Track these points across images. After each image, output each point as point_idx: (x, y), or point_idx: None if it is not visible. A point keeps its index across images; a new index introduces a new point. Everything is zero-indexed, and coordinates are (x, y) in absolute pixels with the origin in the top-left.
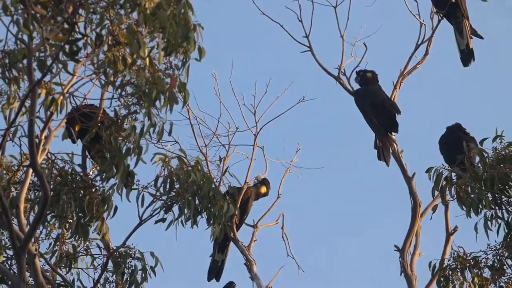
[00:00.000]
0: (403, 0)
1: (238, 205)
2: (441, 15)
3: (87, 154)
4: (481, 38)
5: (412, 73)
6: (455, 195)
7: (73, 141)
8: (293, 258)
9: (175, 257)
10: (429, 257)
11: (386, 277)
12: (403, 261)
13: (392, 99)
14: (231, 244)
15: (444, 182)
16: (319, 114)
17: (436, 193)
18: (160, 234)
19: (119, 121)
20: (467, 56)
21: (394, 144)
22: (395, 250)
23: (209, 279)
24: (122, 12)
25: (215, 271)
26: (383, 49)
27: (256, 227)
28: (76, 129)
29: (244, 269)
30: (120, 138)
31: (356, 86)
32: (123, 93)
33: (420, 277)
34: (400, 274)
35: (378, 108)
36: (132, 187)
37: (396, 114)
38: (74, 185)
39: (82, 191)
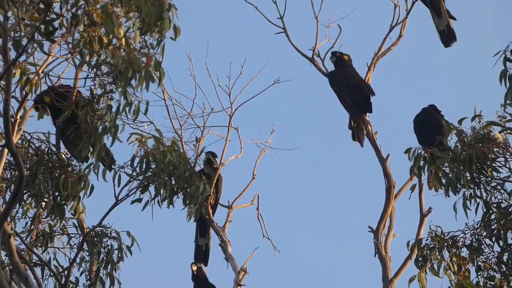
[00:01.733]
0: None
1: (213, 186)
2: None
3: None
4: (454, 19)
5: (386, 54)
6: (433, 176)
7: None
8: (269, 238)
9: (153, 237)
10: (403, 238)
11: (360, 258)
12: (377, 242)
13: (366, 81)
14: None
15: (423, 162)
16: (294, 95)
17: (415, 173)
18: (138, 214)
19: (95, 100)
20: (447, 37)
21: (369, 125)
22: (369, 231)
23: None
24: None
25: (201, 256)
26: (357, 31)
27: (231, 208)
28: (46, 100)
29: (219, 250)
30: (96, 118)
31: (331, 67)
32: (99, 72)
33: (394, 258)
34: (375, 256)
35: (352, 89)
36: (112, 167)
37: (370, 95)
38: (50, 165)
39: (58, 171)
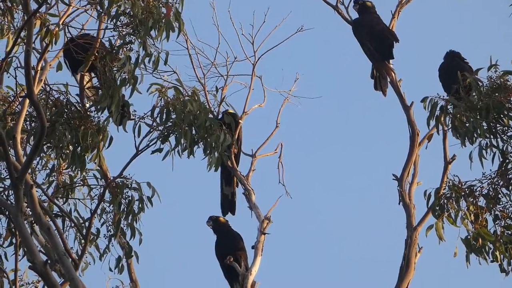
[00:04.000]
0: None
1: (236, 136)
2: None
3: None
4: None
5: (410, 2)
6: (450, 125)
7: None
8: (284, 185)
9: (173, 188)
10: (427, 186)
11: (385, 206)
12: (401, 190)
13: (391, 28)
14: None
15: (439, 112)
16: (317, 43)
17: (432, 122)
18: (157, 164)
19: (114, 51)
20: None
21: (392, 73)
22: (393, 179)
23: (224, 214)
24: None
25: (228, 205)
26: None
27: (254, 157)
28: None
29: (243, 198)
30: (115, 69)
31: (355, 15)
32: (118, 23)
33: (418, 206)
34: (399, 203)
35: (376, 36)
36: (129, 118)
37: (395, 42)
38: (70, 116)
39: (77, 122)
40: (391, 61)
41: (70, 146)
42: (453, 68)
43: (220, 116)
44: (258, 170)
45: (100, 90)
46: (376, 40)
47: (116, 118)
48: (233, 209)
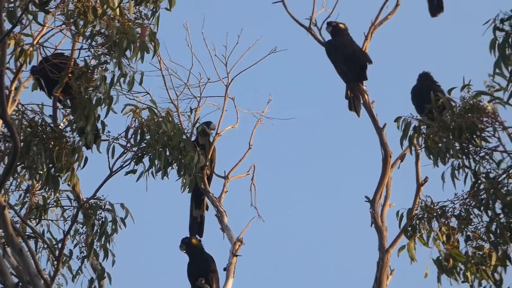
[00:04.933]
0: None
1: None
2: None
3: (58, 105)
4: None
5: (383, 24)
6: (423, 145)
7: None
8: (255, 208)
9: (147, 209)
10: (400, 208)
11: (357, 228)
12: (373, 212)
13: (364, 50)
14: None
15: (412, 132)
16: (290, 65)
17: (405, 142)
18: (131, 186)
19: (90, 71)
20: (436, 7)
21: (365, 94)
22: (365, 201)
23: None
24: None
25: (196, 228)
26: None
27: (227, 178)
28: None
29: (215, 220)
30: (90, 89)
31: (328, 36)
32: (94, 43)
33: (390, 228)
34: (371, 225)
35: (348, 58)
36: (102, 138)
37: (367, 64)
38: (44, 136)
39: (52, 142)
40: (364, 82)
41: (44, 167)
42: (426, 89)
43: (193, 138)
44: (230, 192)
45: (72, 110)
46: (349, 61)
47: (91, 139)
48: (200, 232)
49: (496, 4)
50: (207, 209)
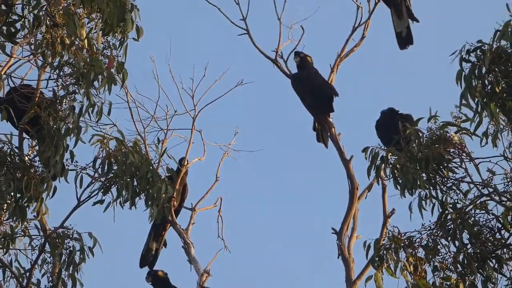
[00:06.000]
0: None
1: (177, 188)
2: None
3: (24, 135)
4: (417, 21)
5: (349, 56)
6: (390, 175)
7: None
8: (222, 239)
9: (115, 239)
10: (367, 239)
11: (324, 260)
12: (340, 244)
13: (330, 82)
14: (169, 229)
15: (380, 162)
16: (257, 97)
17: (372, 173)
18: (99, 216)
19: (58, 101)
20: (404, 39)
21: (332, 127)
22: (332, 233)
23: (141, 266)
24: None
25: (148, 259)
26: (320, 32)
27: (194, 210)
28: None
29: (182, 252)
30: (59, 119)
31: (294, 68)
32: (62, 74)
33: (357, 260)
34: (338, 257)
35: (315, 90)
36: (70, 168)
37: (334, 96)
38: (12, 166)
39: (20, 172)
40: (330, 114)
41: (12, 197)
42: (392, 121)
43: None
44: (197, 223)
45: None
46: (316, 94)
47: (59, 169)
48: (153, 264)
49: (463, 35)
50: (165, 245)
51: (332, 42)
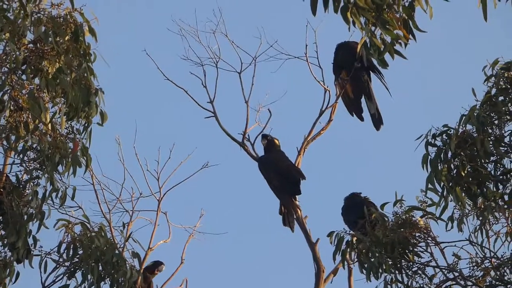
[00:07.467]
0: (307, 65)
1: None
2: (346, 81)
3: None
4: (377, 129)
5: (316, 139)
6: (356, 259)
7: None
8: None
9: None
10: None
11: None
12: None
13: (297, 165)
14: None
15: (345, 246)
16: (223, 179)
17: (338, 257)
18: None
19: (21, 186)
20: (377, 120)
21: (298, 210)
22: None
23: None
24: (24, 77)
25: None
26: (287, 115)
27: None
28: None
29: None
30: (22, 204)
31: (261, 151)
32: (25, 158)
33: None
34: None
35: (281, 174)
36: (34, 253)
37: (300, 179)
38: None
39: None
40: (297, 197)
41: None
42: (357, 205)
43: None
44: None
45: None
46: (282, 177)
47: (23, 254)
48: None
49: (429, 118)
50: None
51: (299, 125)
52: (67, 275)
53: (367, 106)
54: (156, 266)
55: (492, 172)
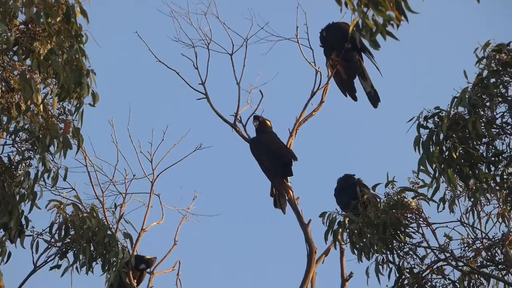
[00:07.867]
0: (298, 47)
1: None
2: (337, 62)
3: None
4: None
5: (307, 120)
6: (348, 240)
7: None
8: None
9: None
10: None
11: None
12: None
13: (288, 146)
14: None
15: (337, 227)
16: (215, 161)
17: (330, 237)
18: (56, 281)
19: (13, 167)
20: (374, 98)
21: (290, 191)
22: None
23: None
24: (15, 58)
25: None
26: (279, 96)
27: (152, 274)
28: None
29: None
30: (14, 184)
31: (252, 133)
32: (17, 139)
33: None
34: None
35: (273, 155)
36: (26, 234)
37: (292, 160)
38: None
39: None
40: (289, 178)
41: None
42: (349, 186)
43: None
44: (156, 287)
45: None
46: (274, 158)
47: (14, 234)
48: None
49: (421, 100)
50: None
51: (291, 107)
52: (58, 255)
53: (362, 85)
54: (137, 265)
55: (484, 154)
